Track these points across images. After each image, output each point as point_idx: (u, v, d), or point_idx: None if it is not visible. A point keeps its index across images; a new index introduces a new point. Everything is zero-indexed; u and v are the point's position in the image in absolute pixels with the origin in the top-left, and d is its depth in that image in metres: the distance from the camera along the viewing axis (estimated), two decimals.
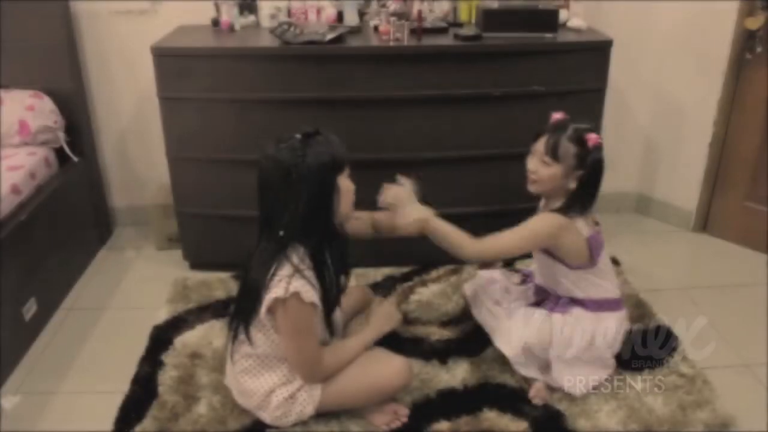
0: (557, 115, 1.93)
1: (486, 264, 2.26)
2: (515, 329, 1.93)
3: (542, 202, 2.07)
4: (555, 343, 1.90)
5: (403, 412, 1.87)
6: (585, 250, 1.91)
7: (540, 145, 1.90)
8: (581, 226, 1.89)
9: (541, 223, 1.90)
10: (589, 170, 1.86)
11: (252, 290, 1.69)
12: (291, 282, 1.63)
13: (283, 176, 1.63)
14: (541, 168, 1.90)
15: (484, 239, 1.89)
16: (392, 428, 1.84)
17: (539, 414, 1.87)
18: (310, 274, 1.68)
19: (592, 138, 1.84)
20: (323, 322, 1.78)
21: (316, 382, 1.78)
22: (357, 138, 2.41)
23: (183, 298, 2.43)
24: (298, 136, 1.66)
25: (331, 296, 1.76)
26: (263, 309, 1.66)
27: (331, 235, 1.75)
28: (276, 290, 1.63)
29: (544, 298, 2.04)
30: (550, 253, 1.94)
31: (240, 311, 1.76)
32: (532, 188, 1.96)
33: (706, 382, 1.98)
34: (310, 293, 1.66)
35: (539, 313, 1.95)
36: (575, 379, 1.92)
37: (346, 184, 1.73)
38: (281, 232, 1.65)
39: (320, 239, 1.71)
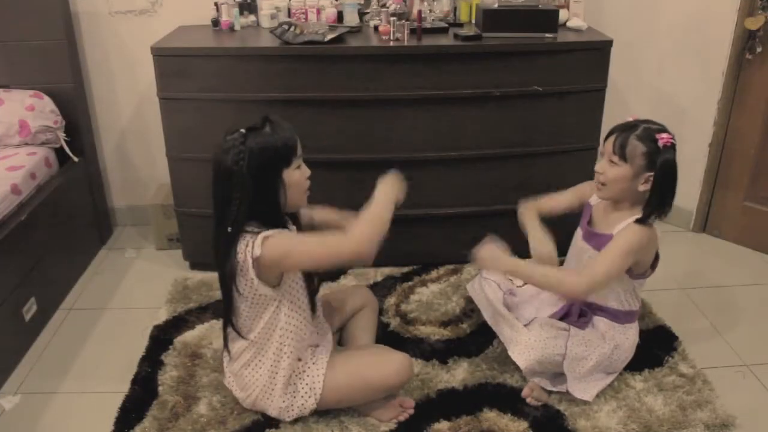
0: (631, 117, 1.86)
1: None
2: (532, 342, 1.86)
3: (593, 199, 2.01)
4: (570, 357, 1.88)
5: (408, 405, 1.88)
6: (652, 258, 1.88)
7: (608, 145, 1.81)
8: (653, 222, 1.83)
9: (633, 238, 1.79)
10: (659, 172, 1.75)
11: (226, 282, 1.69)
12: (256, 240, 1.60)
13: (225, 172, 1.61)
14: (608, 169, 1.82)
15: (583, 273, 1.80)
16: (400, 421, 1.84)
17: (539, 414, 1.87)
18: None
19: (663, 137, 1.74)
20: (306, 299, 1.78)
21: (364, 248, 1.61)
22: (357, 138, 2.42)
23: (183, 298, 2.43)
24: (243, 130, 1.61)
25: (310, 274, 1.75)
26: (254, 278, 1.63)
27: (284, 222, 1.72)
28: (251, 255, 1.60)
29: (567, 312, 1.98)
30: None
31: (226, 305, 1.74)
32: (599, 194, 1.89)
33: (706, 382, 1.98)
34: (274, 230, 1.62)
35: (558, 328, 1.90)
36: (588, 387, 1.92)
37: (295, 175, 1.67)
38: (229, 228, 1.63)
39: (274, 223, 1.68)
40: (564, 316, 1.98)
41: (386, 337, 2.18)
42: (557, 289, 1.89)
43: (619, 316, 1.95)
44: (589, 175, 2.63)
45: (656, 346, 2.13)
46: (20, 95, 2.53)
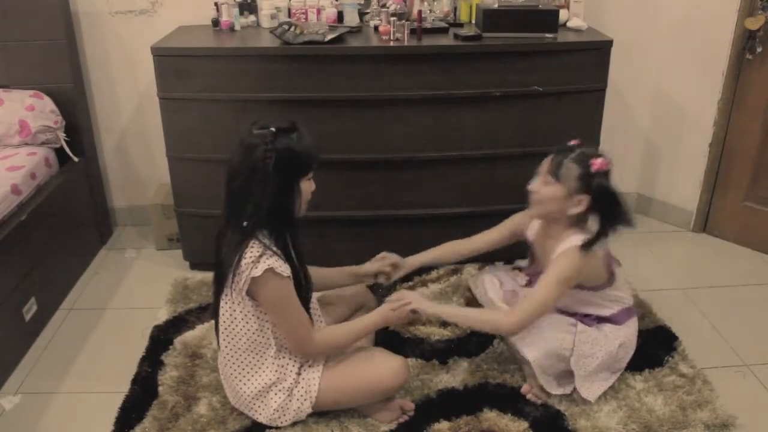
0: (573, 142, 1.89)
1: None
2: (542, 335, 1.87)
3: (530, 233, 2.05)
4: (577, 354, 1.88)
5: (409, 407, 1.88)
6: (603, 270, 1.91)
7: (545, 165, 1.87)
8: (597, 248, 1.84)
9: (566, 267, 1.82)
10: (595, 196, 1.80)
11: (224, 275, 1.70)
12: (262, 260, 1.63)
13: (250, 168, 1.61)
14: (543, 187, 1.86)
15: (516, 309, 1.84)
16: (400, 423, 1.84)
17: (539, 414, 1.87)
18: (279, 253, 1.68)
19: (596, 162, 1.78)
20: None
21: (312, 357, 1.77)
22: (357, 138, 2.42)
23: (183, 298, 2.43)
24: (273, 129, 1.62)
25: (301, 281, 1.77)
26: (243, 290, 1.66)
27: (293, 226, 1.75)
28: (249, 270, 1.63)
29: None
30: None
31: (218, 286, 1.75)
32: (533, 209, 1.93)
33: (706, 382, 1.98)
34: (284, 267, 1.66)
35: (567, 324, 1.92)
36: (593, 387, 1.92)
37: (306, 185, 1.72)
38: (245, 223, 1.64)
39: (283, 229, 1.71)
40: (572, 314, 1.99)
41: (386, 337, 2.17)
42: (490, 330, 1.95)
43: (616, 319, 1.96)
44: None
45: (656, 346, 2.13)
46: (20, 95, 2.53)
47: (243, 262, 1.64)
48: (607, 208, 1.82)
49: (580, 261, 1.82)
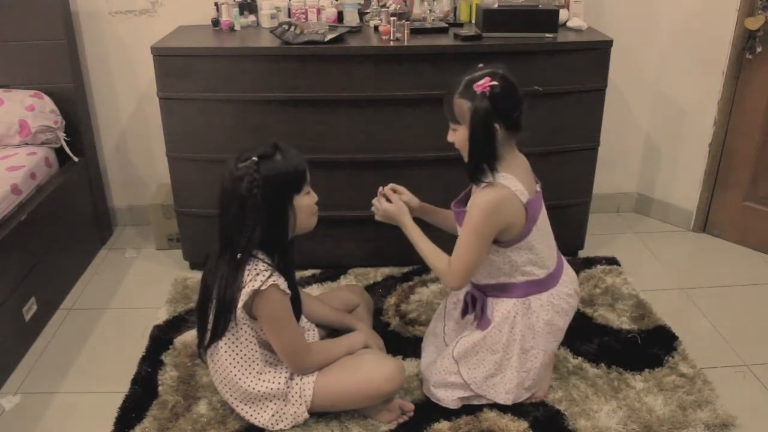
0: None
1: None
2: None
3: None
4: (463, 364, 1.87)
5: (408, 408, 1.88)
6: (520, 220, 1.69)
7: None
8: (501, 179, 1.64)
9: (479, 211, 1.64)
10: (472, 118, 1.57)
11: (226, 303, 1.68)
12: (269, 276, 1.65)
13: (239, 201, 1.63)
14: (452, 136, 1.69)
15: (452, 266, 1.70)
16: (399, 423, 1.84)
17: (539, 414, 1.87)
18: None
19: (479, 85, 1.56)
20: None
21: (306, 372, 1.78)
22: (357, 138, 2.42)
23: (183, 298, 2.43)
24: (255, 158, 1.63)
25: (296, 298, 1.79)
26: (239, 305, 1.66)
27: (287, 248, 1.76)
28: (253, 283, 1.64)
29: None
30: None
31: (216, 330, 1.73)
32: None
33: (706, 382, 1.98)
34: (285, 285, 1.68)
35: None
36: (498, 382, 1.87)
37: (305, 201, 1.72)
38: (239, 255, 1.66)
39: (278, 251, 1.73)
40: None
41: (386, 337, 2.17)
42: (434, 271, 1.79)
43: (512, 290, 1.80)
44: (589, 174, 2.63)
45: (656, 346, 2.13)
46: (20, 95, 2.53)
47: (248, 277, 1.65)
48: (478, 133, 1.59)
49: (491, 199, 1.63)
